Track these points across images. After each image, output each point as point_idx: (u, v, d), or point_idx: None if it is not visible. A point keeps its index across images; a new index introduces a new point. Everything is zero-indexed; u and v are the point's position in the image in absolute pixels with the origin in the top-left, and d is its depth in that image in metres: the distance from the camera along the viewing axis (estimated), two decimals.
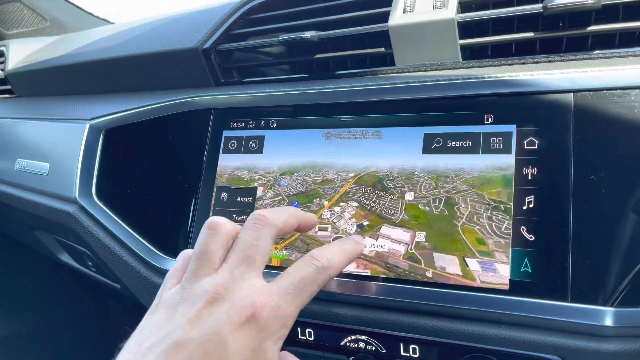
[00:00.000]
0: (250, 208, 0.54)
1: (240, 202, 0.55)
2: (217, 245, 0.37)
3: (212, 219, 0.38)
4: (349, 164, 0.51)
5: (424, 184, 0.47)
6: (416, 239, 0.46)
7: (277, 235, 0.38)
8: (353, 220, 0.49)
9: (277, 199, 0.54)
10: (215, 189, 0.57)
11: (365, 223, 0.49)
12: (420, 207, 0.47)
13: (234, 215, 0.55)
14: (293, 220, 0.40)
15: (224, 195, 0.56)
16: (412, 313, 0.46)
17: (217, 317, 0.32)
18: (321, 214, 0.51)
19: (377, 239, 0.48)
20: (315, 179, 0.53)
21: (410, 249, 0.46)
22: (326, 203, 0.51)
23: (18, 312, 1.22)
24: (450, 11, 0.49)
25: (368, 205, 0.49)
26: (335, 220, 0.50)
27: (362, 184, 0.50)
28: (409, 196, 0.48)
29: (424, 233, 0.46)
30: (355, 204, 0.50)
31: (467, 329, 0.43)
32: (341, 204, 0.51)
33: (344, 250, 0.40)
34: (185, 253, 0.41)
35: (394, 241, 0.47)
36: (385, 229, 0.48)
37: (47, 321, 1.26)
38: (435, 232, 0.45)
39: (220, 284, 0.34)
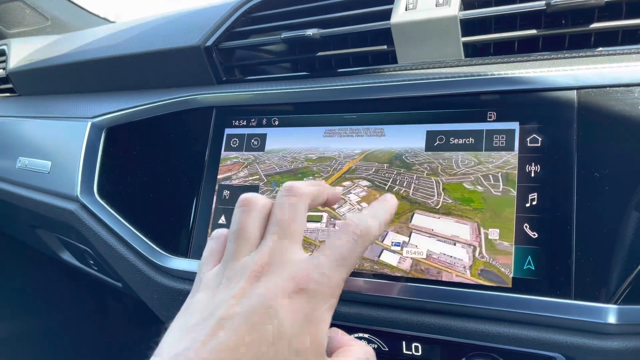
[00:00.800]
0: None
1: None
2: (254, 222, 0.36)
3: (244, 196, 0.37)
4: (354, 146, 0.47)
5: (460, 160, 0.39)
6: (488, 236, 0.37)
7: (310, 206, 0.37)
8: (364, 204, 0.42)
9: (251, 178, 0.48)
10: (217, 187, 0.57)
11: None
12: (467, 186, 0.38)
13: None
14: (323, 193, 0.39)
15: (225, 193, 0.56)
16: (415, 311, 0.46)
17: (264, 290, 0.32)
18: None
19: (409, 236, 0.40)
20: (310, 155, 0.47)
21: (481, 255, 0.38)
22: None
23: (19, 312, 1.22)
24: (453, 8, 0.48)
25: (386, 184, 0.41)
26: (335, 207, 0.44)
27: (374, 161, 0.43)
28: (445, 172, 0.39)
29: (497, 230, 0.37)
30: (366, 183, 0.42)
31: (470, 327, 0.43)
32: (345, 183, 0.43)
33: (376, 213, 0.37)
34: (217, 233, 0.40)
35: (442, 239, 0.39)
36: (421, 219, 0.39)
37: (48, 320, 1.26)
38: (504, 222, 0.37)
39: (263, 260, 0.33)
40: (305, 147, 0.50)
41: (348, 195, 0.44)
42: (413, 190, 0.41)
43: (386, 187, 0.43)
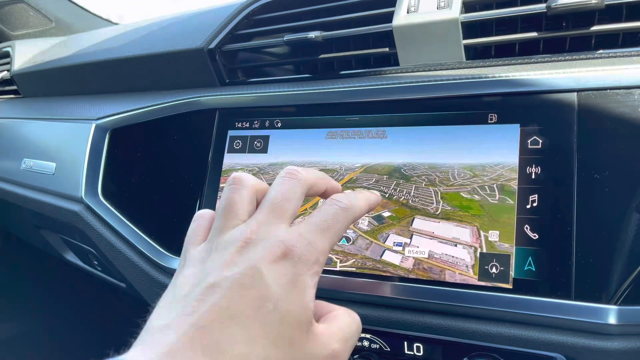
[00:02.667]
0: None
1: None
2: (244, 198, 0.36)
3: (235, 174, 0.38)
4: (355, 159, 0.49)
5: (456, 173, 0.42)
6: (488, 238, 0.39)
7: (306, 193, 0.38)
8: None
9: None
10: (220, 188, 0.57)
11: (386, 214, 0.43)
12: (464, 195, 0.41)
13: None
14: (322, 182, 0.39)
15: None
16: (416, 311, 0.46)
17: (251, 256, 0.32)
18: (315, 203, 0.47)
19: (410, 237, 0.42)
20: (313, 168, 0.49)
21: (482, 255, 0.39)
22: None
23: (24, 312, 1.23)
24: (454, 11, 0.49)
25: (387, 192, 0.43)
26: None
27: (374, 173, 0.45)
28: (442, 184, 0.42)
29: (497, 232, 0.39)
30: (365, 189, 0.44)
31: (471, 327, 0.44)
32: (346, 191, 0.45)
33: (362, 196, 0.39)
34: (200, 213, 0.40)
35: (443, 241, 0.41)
36: (422, 223, 0.41)
37: (52, 320, 1.26)
38: (502, 226, 0.39)
39: (250, 231, 0.34)
40: (308, 161, 0.52)
41: None
42: (412, 197, 0.43)
43: (386, 195, 0.45)
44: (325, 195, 0.40)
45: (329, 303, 0.37)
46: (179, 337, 0.29)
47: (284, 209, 0.35)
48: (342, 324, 0.35)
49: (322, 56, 0.58)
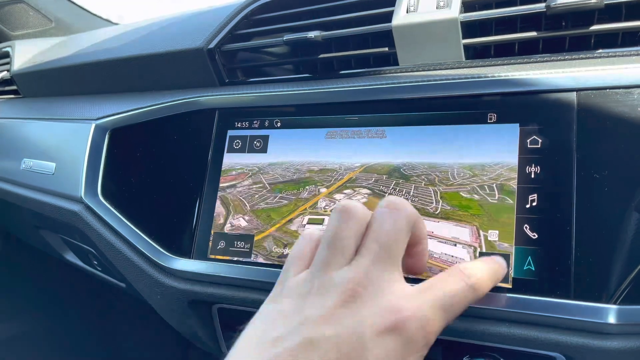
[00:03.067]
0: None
1: None
2: (351, 232, 0.32)
3: (343, 203, 0.33)
4: (354, 159, 0.49)
5: (455, 173, 0.42)
6: (488, 237, 0.39)
7: (412, 228, 0.33)
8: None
9: (255, 186, 0.49)
10: (220, 188, 0.57)
11: None
12: (464, 194, 0.41)
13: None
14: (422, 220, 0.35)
15: (229, 194, 0.57)
16: None
17: (356, 318, 0.28)
18: (314, 203, 0.46)
19: None
20: (312, 167, 0.48)
21: (482, 254, 0.39)
22: (323, 190, 0.45)
23: (24, 312, 1.23)
24: (454, 11, 0.49)
25: (386, 192, 0.43)
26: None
27: (373, 172, 0.45)
28: (442, 183, 0.42)
29: (496, 231, 0.39)
30: (366, 191, 0.44)
31: (470, 327, 0.44)
32: (346, 191, 0.45)
33: (492, 269, 0.35)
34: (309, 233, 0.36)
35: (443, 241, 0.41)
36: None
37: (52, 320, 1.26)
38: (502, 226, 0.39)
39: (357, 279, 0.30)
40: (307, 160, 0.51)
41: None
42: (412, 197, 0.43)
43: (386, 195, 0.45)
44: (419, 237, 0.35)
45: None
46: None
47: (392, 251, 0.31)
48: None
49: (321, 56, 0.58)
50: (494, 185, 0.42)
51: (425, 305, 0.30)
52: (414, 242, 0.35)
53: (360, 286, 0.29)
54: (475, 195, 0.43)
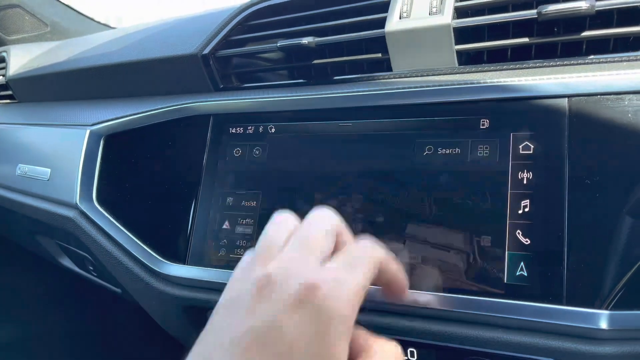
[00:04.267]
0: (254, 212, 0.55)
1: (245, 206, 0.55)
2: (279, 234, 0.34)
3: (278, 213, 0.36)
4: (349, 165, 0.49)
5: (447, 179, 0.43)
6: (480, 243, 0.39)
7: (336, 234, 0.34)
8: (359, 215, 0.44)
9: (249, 192, 0.51)
10: (214, 194, 0.57)
11: (379, 220, 0.43)
12: (457, 200, 0.41)
13: (239, 219, 0.55)
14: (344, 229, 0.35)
15: (229, 200, 0.57)
16: (409, 316, 0.46)
17: (269, 303, 0.29)
18: (308, 209, 0.47)
19: (403, 243, 0.42)
20: (306, 173, 0.49)
21: (474, 261, 0.40)
22: (318, 196, 0.46)
23: (20, 317, 1.23)
24: (446, 17, 0.49)
25: (379, 198, 0.43)
26: None
27: (367, 178, 0.45)
28: (435, 188, 0.42)
29: (489, 237, 0.39)
30: (359, 197, 0.45)
31: (463, 332, 0.44)
32: (339, 196, 0.45)
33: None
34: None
35: (436, 247, 0.41)
36: (414, 228, 0.41)
37: (48, 326, 1.26)
38: (494, 232, 0.40)
39: (271, 269, 0.30)
40: (302, 166, 0.52)
41: (342, 208, 0.45)
42: (405, 203, 0.43)
43: (379, 200, 0.45)
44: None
45: (364, 333, 0.33)
46: None
47: (310, 245, 0.32)
48: None
49: (315, 62, 0.58)
50: (487, 191, 0.43)
51: (334, 268, 0.30)
52: (383, 269, 0.34)
53: (273, 275, 0.30)
54: (468, 201, 0.43)
